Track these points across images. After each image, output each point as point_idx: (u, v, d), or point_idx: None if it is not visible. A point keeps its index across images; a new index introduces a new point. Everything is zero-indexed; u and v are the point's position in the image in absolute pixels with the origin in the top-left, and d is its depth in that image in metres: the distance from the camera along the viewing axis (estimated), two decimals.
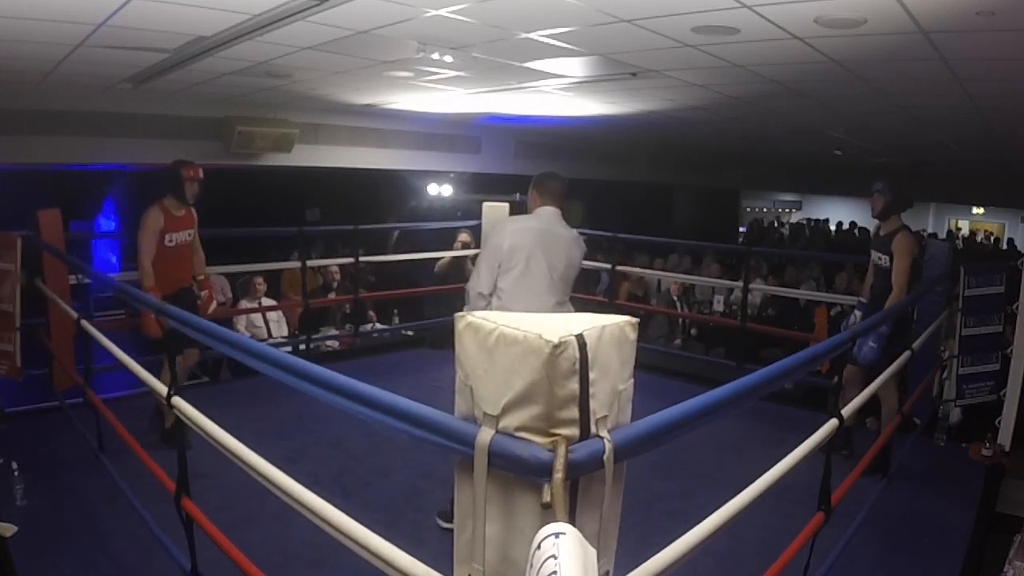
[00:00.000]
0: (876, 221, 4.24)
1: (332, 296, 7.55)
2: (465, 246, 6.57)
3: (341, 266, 7.31)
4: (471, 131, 8.99)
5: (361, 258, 6.20)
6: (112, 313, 6.87)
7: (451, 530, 2.39)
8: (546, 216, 3.31)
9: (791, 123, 7.08)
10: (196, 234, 4.20)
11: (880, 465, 3.45)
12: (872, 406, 3.87)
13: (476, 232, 6.41)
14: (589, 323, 1.18)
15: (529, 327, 1.14)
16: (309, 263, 6.10)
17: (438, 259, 6.77)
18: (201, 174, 4.04)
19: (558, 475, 1.06)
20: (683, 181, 14.28)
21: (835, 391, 3.06)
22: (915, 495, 3.69)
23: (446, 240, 6.86)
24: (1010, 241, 16.20)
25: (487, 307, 3.20)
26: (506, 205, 6.32)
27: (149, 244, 3.86)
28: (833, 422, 2.28)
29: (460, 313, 1.26)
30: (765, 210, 19.29)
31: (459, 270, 6.63)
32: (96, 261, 9.85)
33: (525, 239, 3.21)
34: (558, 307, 3.25)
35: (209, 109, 6.61)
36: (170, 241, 3.95)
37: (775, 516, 3.00)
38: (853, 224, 16.98)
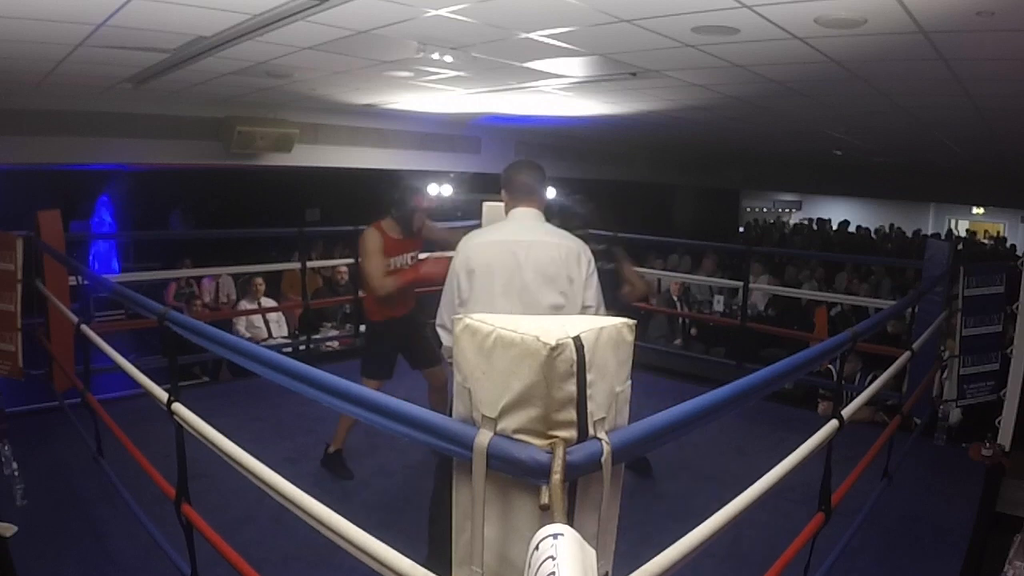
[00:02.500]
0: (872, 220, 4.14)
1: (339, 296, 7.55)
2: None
3: (344, 266, 7.30)
4: (471, 131, 8.99)
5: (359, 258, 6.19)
6: (112, 313, 6.88)
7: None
8: (521, 221, 2.57)
9: (791, 123, 7.08)
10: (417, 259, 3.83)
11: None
12: None
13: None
14: (586, 325, 1.18)
15: (527, 329, 1.14)
16: (309, 264, 6.10)
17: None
18: (433, 204, 3.81)
19: (556, 477, 1.06)
20: (683, 181, 14.28)
21: (836, 392, 3.07)
22: (915, 495, 3.69)
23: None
24: (1004, 241, 16.22)
25: None
26: None
27: (377, 268, 3.57)
28: (833, 423, 2.28)
29: (458, 315, 1.26)
30: (765, 210, 19.30)
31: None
32: (96, 261, 9.86)
33: (487, 258, 2.46)
34: None
35: (209, 109, 6.61)
36: (390, 265, 3.67)
37: (775, 516, 3.00)
38: (847, 223, 17.01)
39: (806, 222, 18.14)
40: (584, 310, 2.49)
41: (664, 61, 4.40)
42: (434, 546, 2.57)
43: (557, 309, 2.43)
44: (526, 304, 2.41)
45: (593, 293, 2.53)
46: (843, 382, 4.94)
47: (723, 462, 3.93)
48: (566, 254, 2.48)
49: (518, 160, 2.72)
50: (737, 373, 2.46)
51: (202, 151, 6.87)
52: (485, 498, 1.19)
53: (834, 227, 17.13)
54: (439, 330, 2.65)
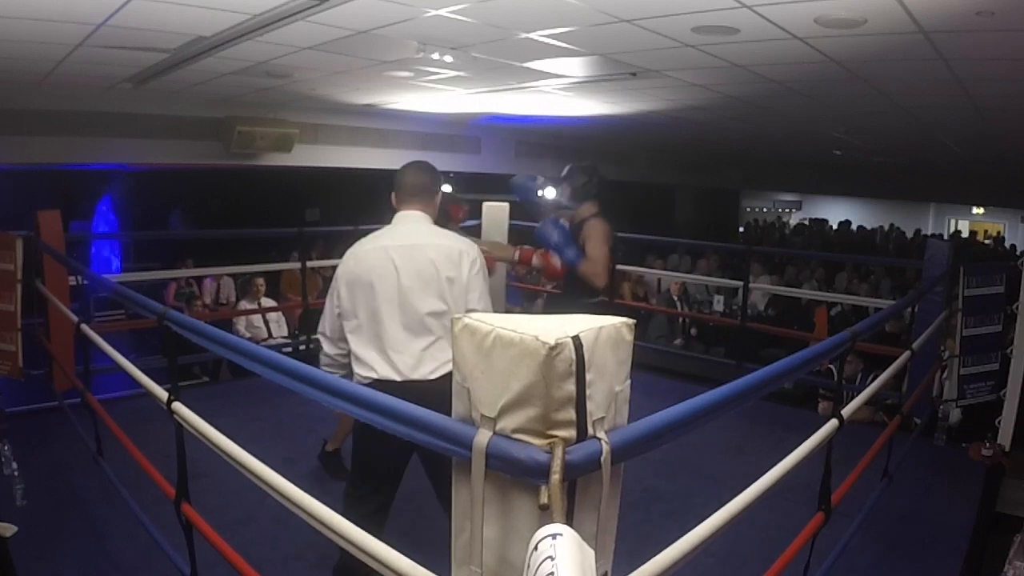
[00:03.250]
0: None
1: None
2: None
3: None
4: (471, 131, 8.99)
5: None
6: (112, 313, 6.88)
7: None
8: (403, 224, 2.47)
9: (791, 123, 7.08)
10: None
11: None
12: None
13: (476, 232, 6.42)
14: (585, 324, 1.18)
15: (526, 329, 1.14)
16: (309, 264, 6.10)
17: None
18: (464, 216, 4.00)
19: (555, 476, 1.06)
20: (683, 181, 14.28)
21: (836, 392, 3.06)
22: (915, 495, 3.69)
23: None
24: (1003, 241, 16.21)
25: (338, 355, 2.49)
26: (506, 205, 6.32)
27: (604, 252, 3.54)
28: (833, 422, 2.28)
29: (457, 315, 1.26)
30: (765, 210, 19.29)
31: None
32: (96, 261, 9.86)
33: (368, 265, 2.37)
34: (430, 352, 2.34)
35: (209, 109, 6.61)
36: None
37: (775, 516, 3.00)
38: (848, 223, 17.01)
39: (806, 222, 18.14)
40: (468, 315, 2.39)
41: (664, 61, 4.40)
42: None
43: (437, 316, 2.32)
44: (405, 311, 2.31)
45: (477, 296, 2.40)
46: (843, 382, 4.97)
47: (723, 462, 3.93)
48: (445, 255, 2.36)
49: (409, 162, 2.59)
50: (737, 373, 2.46)
51: (202, 151, 6.87)
52: (484, 498, 1.19)
53: (834, 227, 17.14)
54: (320, 337, 2.55)
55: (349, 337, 2.39)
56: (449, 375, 1.27)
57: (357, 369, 2.40)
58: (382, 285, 2.33)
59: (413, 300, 2.32)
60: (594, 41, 3.94)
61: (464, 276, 2.38)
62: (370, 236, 2.50)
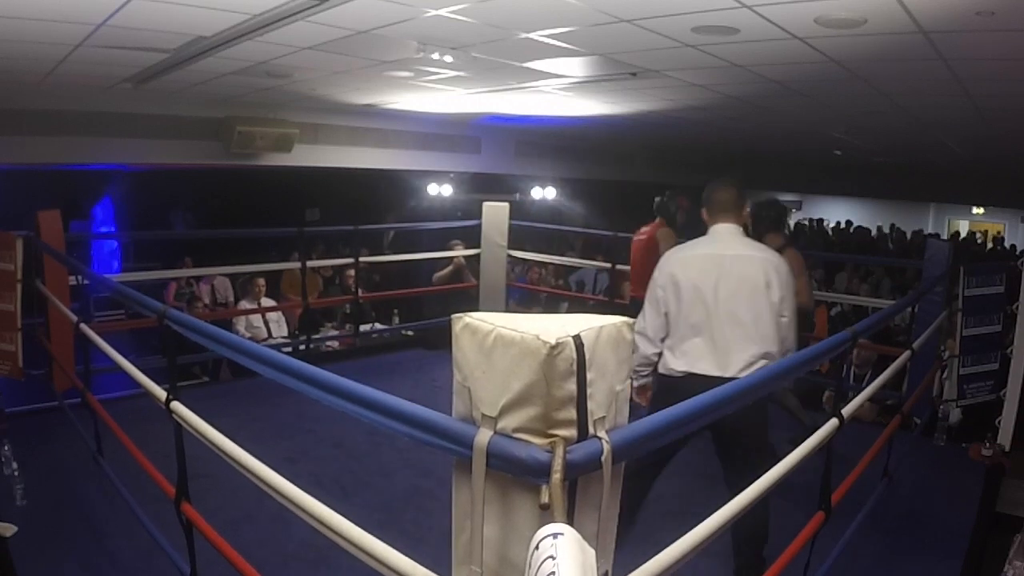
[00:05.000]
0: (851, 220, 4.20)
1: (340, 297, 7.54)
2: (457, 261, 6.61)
3: (353, 269, 7.31)
4: (471, 131, 8.99)
5: (360, 258, 6.20)
6: (112, 313, 6.88)
7: None
8: (721, 235, 2.73)
9: (791, 123, 7.08)
10: None
11: None
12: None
13: (476, 232, 6.42)
14: (586, 324, 1.18)
15: (526, 328, 1.14)
16: (309, 264, 6.10)
17: (437, 259, 6.78)
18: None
19: (556, 476, 1.06)
20: (683, 181, 14.27)
21: (837, 392, 3.06)
22: (915, 495, 3.69)
23: (446, 240, 6.86)
24: (1002, 241, 16.19)
25: (654, 354, 2.71)
26: (506, 205, 6.33)
27: None
28: (833, 422, 2.28)
29: (457, 314, 1.26)
30: None
31: (458, 278, 6.66)
32: (96, 261, 9.86)
33: (693, 272, 2.63)
34: (763, 359, 2.56)
35: (209, 109, 6.61)
36: None
37: (775, 516, 3.00)
38: (849, 223, 17.01)
39: (806, 222, 18.14)
40: (779, 319, 2.65)
41: (664, 61, 4.40)
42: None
43: (755, 320, 2.58)
44: (732, 314, 2.57)
45: (789, 304, 2.67)
46: (851, 381, 4.95)
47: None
48: (761, 265, 2.64)
49: (722, 178, 2.89)
50: None
51: (202, 151, 6.86)
52: (485, 497, 1.19)
53: (829, 227, 17.14)
54: (638, 337, 2.69)
55: (675, 334, 2.64)
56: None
57: (674, 364, 2.66)
58: (705, 290, 2.60)
59: (735, 304, 2.59)
60: (594, 41, 3.94)
61: (781, 286, 2.65)
62: (689, 244, 2.83)
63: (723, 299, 2.60)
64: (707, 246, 2.76)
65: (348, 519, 1.54)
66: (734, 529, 2.39)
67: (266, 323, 6.92)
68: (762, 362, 2.55)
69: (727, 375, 2.50)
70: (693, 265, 2.69)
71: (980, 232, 17.09)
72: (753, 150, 10.99)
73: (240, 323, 6.76)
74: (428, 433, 1.30)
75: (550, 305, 8.13)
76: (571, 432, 1.14)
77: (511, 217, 6.30)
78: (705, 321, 2.60)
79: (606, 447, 1.17)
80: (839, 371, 3.21)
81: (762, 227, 3.73)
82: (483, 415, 1.18)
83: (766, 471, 1.80)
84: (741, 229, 2.76)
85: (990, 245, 15.92)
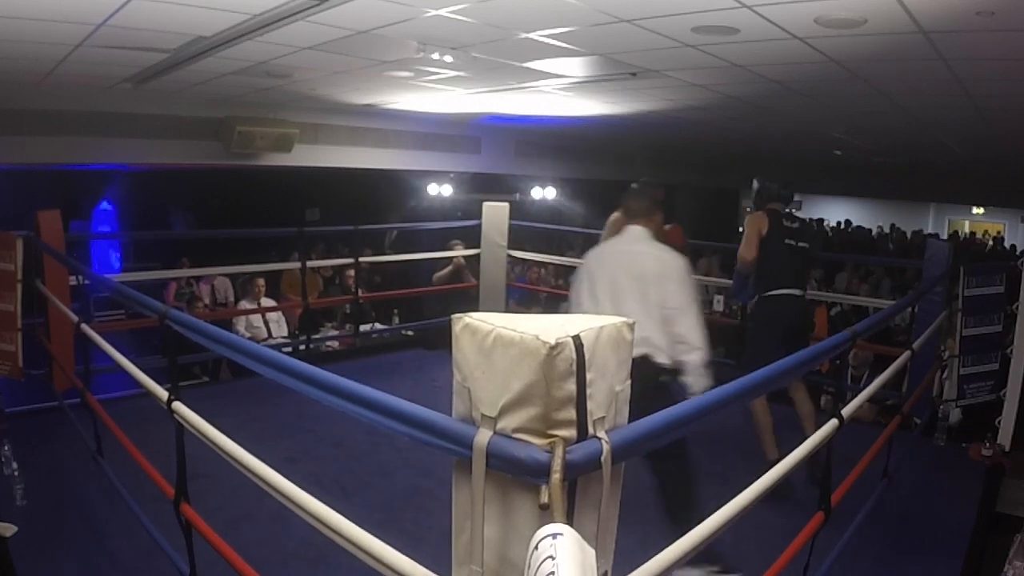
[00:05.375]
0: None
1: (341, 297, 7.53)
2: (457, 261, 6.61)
3: (353, 269, 7.33)
4: (471, 131, 8.99)
5: (360, 259, 6.20)
6: (112, 313, 6.88)
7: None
8: (632, 235, 3.10)
9: (791, 123, 7.08)
10: None
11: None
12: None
13: (476, 232, 6.43)
14: (586, 324, 1.18)
15: (526, 328, 1.14)
16: (309, 264, 6.10)
17: (437, 259, 6.78)
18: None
19: (556, 476, 1.06)
20: (683, 181, 14.27)
21: (836, 391, 3.06)
22: (915, 495, 3.69)
23: (447, 239, 6.87)
24: (1001, 241, 16.19)
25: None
26: (506, 205, 6.33)
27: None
28: (833, 422, 2.28)
29: (457, 314, 1.26)
30: None
31: (458, 278, 6.66)
32: (96, 261, 9.86)
33: (603, 265, 3.04)
34: (643, 345, 2.80)
35: (209, 109, 6.61)
36: None
37: (775, 516, 3.00)
38: (848, 222, 17.01)
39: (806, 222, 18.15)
40: (665, 311, 2.90)
41: (664, 61, 4.40)
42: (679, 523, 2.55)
43: (647, 309, 2.84)
44: (627, 305, 2.83)
45: (680, 298, 2.94)
46: (849, 381, 4.96)
47: (723, 462, 3.92)
48: (660, 264, 2.96)
49: (634, 188, 3.23)
50: (737, 373, 2.46)
51: (202, 151, 6.86)
52: (485, 497, 1.19)
53: (832, 227, 17.14)
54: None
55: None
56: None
57: None
58: (615, 281, 2.94)
59: (631, 295, 2.90)
60: (594, 41, 3.94)
61: (668, 279, 2.93)
62: (608, 242, 3.21)
63: (625, 290, 2.91)
64: (618, 244, 3.12)
65: (348, 519, 1.54)
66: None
67: (266, 323, 6.92)
68: (643, 348, 2.76)
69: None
70: (605, 260, 3.06)
71: (982, 232, 17.11)
72: (753, 150, 10.99)
73: (240, 323, 6.76)
74: (428, 433, 1.30)
75: (550, 305, 8.13)
76: (571, 432, 1.14)
77: (511, 217, 6.30)
78: (611, 310, 2.84)
79: (606, 447, 1.17)
80: (840, 372, 3.22)
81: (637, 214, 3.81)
82: (483, 415, 1.18)
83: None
84: (649, 232, 3.08)
85: (990, 243, 15.93)
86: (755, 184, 3.97)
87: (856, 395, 2.87)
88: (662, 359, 2.84)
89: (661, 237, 3.15)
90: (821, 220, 17.74)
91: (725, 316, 8.10)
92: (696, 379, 2.87)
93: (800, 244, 3.80)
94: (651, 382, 2.77)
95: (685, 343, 2.87)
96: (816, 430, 3.24)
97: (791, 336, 3.67)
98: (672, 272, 2.94)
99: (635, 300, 2.86)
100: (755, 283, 3.89)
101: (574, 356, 1.12)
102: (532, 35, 3.82)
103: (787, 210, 3.94)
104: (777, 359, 1.93)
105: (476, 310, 1.26)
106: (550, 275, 9.18)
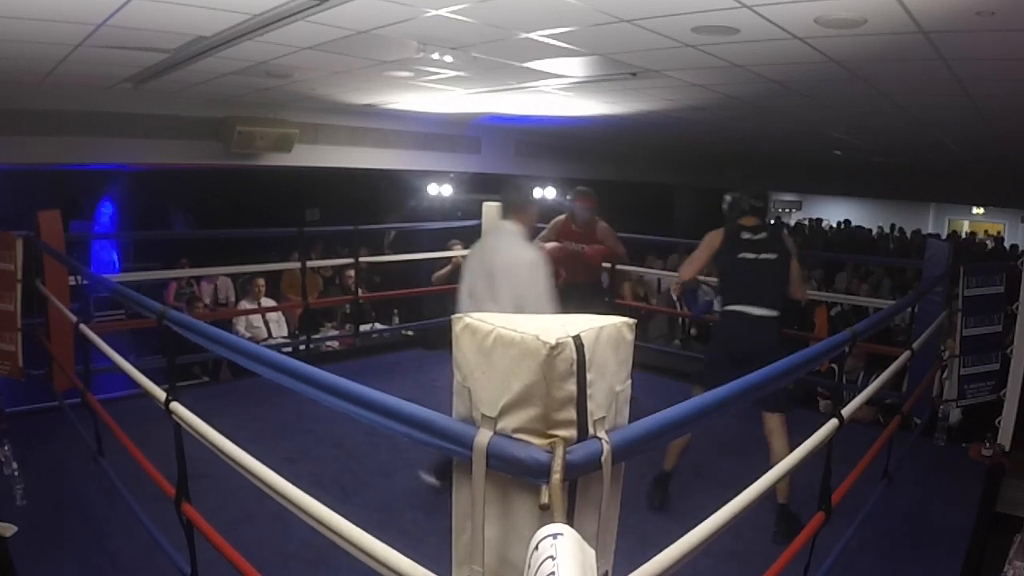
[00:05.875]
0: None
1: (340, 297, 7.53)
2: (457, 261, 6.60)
3: (352, 269, 7.32)
4: (471, 131, 8.99)
5: (360, 258, 6.19)
6: (112, 313, 6.88)
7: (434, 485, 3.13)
8: (504, 231, 3.39)
9: (791, 123, 7.08)
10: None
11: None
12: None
13: (476, 232, 6.42)
14: (586, 324, 1.18)
15: (526, 328, 1.14)
16: (309, 264, 6.10)
17: (437, 259, 6.78)
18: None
19: (556, 476, 1.06)
20: (683, 181, 14.27)
21: (836, 391, 3.06)
22: (915, 495, 3.69)
23: (446, 239, 6.86)
24: (1001, 241, 16.19)
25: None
26: None
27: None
28: (833, 422, 2.28)
29: (457, 315, 1.26)
30: None
31: (457, 277, 6.66)
32: (96, 261, 9.86)
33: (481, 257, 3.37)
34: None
35: (209, 109, 6.61)
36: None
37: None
38: (848, 222, 17.02)
39: (806, 222, 18.17)
40: (518, 298, 3.17)
41: (664, 61, 4.40)
42: None
43: (505, 297, 3.17)
44: (494, 292, 3.20)
45: (534, 287, 3.24)
46: (844, 380, 4.96)
47: (723, 462, 3.93)
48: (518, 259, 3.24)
49: (509, 188, 3.59)
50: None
51: (202, 151, 6.86)
52: (485, 498, 1.19)
53: (827, 226, 17.15)
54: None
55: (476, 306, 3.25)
56: None
57: None
58: (488, 271, 3.31)
59: (498, 283, 3.26)
60: (594, 41, 3.94)
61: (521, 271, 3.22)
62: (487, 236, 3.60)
63: (496, 279, 3.24)
64: (488, 239, 3.49)
65: (348, 519, 1.54)
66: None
67: (266, 323, 6.92)
68: None
69: None
70: (476, 256, 3.45)
71: (982, 233, 17.11)
72: (753, 150, 10.98)
73: (240, 323, 6.76)
74: (428, 433, 1.29)
75: None
76: (571, 432, 1.14)
77: None
78: (486, 294, 3.26)
79: (606, 447, 1.17)
80: (838, 372, 3.21)
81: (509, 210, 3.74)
82: (483, 415, 1.18)
83: None
84: (521, 227, 3.36)
85: (990, 244, 15.93)
86: (726, 200, 3.73)
87: (852, 394, 2.87)
88: None
89: (531, 231, 3.50)
90: (820, 220, 17.77)
91: None
92: None
93: (763, 256, 3.46)
94: None
95: None
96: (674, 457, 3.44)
97: (742, 356, 3.23)
98: (523, 267, 3.21)
99: (491, 294, 3.22)
100: (719, 300, 3.88)
101: (574, 356, 1.12)
102: (532, 35, 3.82)
103: (764, 220, 3.68)
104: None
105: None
106: None
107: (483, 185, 10.18)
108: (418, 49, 4.15)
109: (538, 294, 3.16)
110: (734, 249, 3.52)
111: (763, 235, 3.50)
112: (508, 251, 3.27)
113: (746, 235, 3.49)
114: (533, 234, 3.67)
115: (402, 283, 7.91)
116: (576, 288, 4.62)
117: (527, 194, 3.60)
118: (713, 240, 3.63)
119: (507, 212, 3.39)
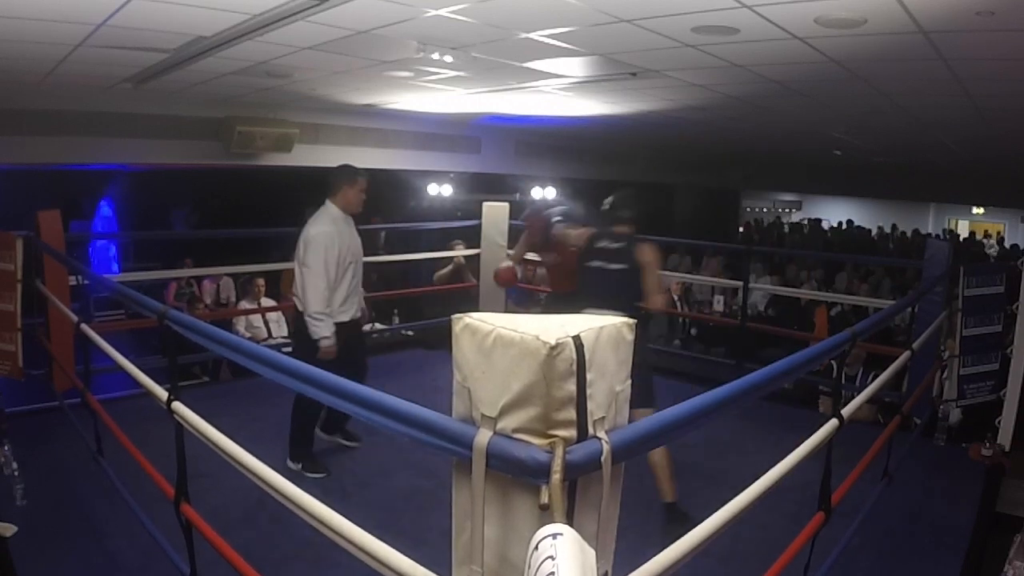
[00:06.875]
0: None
1: None
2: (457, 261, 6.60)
3: None
4: (471, 131, 8.99)
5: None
6: (112, 313, 6.88)
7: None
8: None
9: (791, 123, 7.08)
10: None
11: None
12: None
13: (476, 232, 6.43)
14: (586, 324, 1.18)
15: (526, 328, 1.14)
16: None
17: (437, 259, 6.78)
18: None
19: (556, 476, 1.06)
20: (683, 181, 14.28)
21: (836, 391, 3.06)
22: (915, 495, 3.69)
23: (447, 239, 6.87)
24: (1002, 240, 16.18)
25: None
26: (506, 205, 6.34)
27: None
28: (833, 422, 2.28)
29: (457, 315, 1.26)
30: (765, 210, 19.30)
31: (458, 278, 6.66)
32: (96, 261, 9.86)
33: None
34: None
35: (209, 109, 6.61)
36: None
37: (775, 516, 3.00)
38: (850, 222, 17.01)
39: (805, 222, 18.17)
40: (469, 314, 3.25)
41: (664, 61, 4.40)
42: None
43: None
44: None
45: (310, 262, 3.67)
46: (843, 380, 4.97)
47: (723, 462, 3.93)
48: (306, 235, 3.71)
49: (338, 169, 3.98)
50: (737, 373, 2.46)
51: (202, 151, 6.86)
52: (485, 498, 1.19)
53: (826, 226, 17.15)
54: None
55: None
56: None
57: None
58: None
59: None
60: (594, 41, 3.94)
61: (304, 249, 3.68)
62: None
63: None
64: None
65: (348, 519, 1.54)
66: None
67: (266, 323, 6.92)
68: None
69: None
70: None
71: (982, 233, 17.10)
72: (753, 150, 10.99)
73: (240, 323, 6.76)
74: (428, 433, 1.29)
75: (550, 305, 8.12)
76: (571, 432, 1.14)
77: (511, 217, 6.31)
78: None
79: (606, 447, 1.17)
80: (838, 372, 3.21)
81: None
82: (483, 415, 1.18)
83: None
84: (336, 206, 3.84)
85: (995, 249, 15.91)
86: (606, 203, 3.75)
87: (851, 393, 2.87)
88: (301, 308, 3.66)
89: (350, 209, 3.86)
90: (819, 220, 17.76)
91: (725, 316, 8.13)
92: (312, 328, 3.60)
93: (613, 267, 3.55)
94: (303, 331, 3.67)
95: (298, 297, 3.69)
96: (668, 485, 3.29)
97: None
98: (306, 241, 3.65)
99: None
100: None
101: (574, 356, 1.12)
102: (532, 35, 3.82)
103: (631, 230, 3.65)
104: None
105: (476, 310, 1.26)
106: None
107: (483, 185, 10.18)
108: (418, 49, 4.15)
109: (307, 263, 3.63)
110: (588, 257, 3.65)
111: (623, 244, 3.57)
112: (307, 227, 3.73)
113: (606, 243, 3.59)
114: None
115: (402, 283, 7.91)
116: (560, 299, 4.68)
117: (351, 177, 3.96)
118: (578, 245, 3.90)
119: (329, 192, 3.87)
